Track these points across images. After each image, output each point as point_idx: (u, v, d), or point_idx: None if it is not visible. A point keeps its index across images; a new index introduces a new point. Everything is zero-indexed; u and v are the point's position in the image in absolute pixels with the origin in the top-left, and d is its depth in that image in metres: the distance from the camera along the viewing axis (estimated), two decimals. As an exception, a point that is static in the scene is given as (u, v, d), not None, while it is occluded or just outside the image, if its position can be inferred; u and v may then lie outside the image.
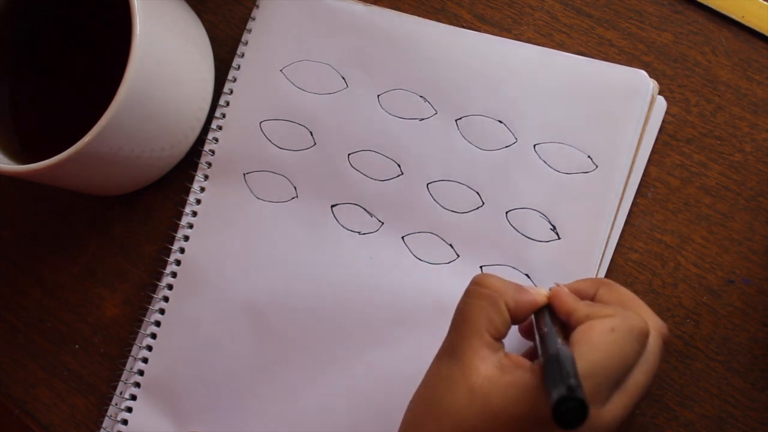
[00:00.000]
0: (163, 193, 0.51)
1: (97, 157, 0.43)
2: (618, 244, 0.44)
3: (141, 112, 0.44)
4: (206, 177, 0.50)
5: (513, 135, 0.45)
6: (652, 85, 0.44)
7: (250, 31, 0.50)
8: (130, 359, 0.49)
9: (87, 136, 0.42)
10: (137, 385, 0.48)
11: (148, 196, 0.51)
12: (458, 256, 0.45)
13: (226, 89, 0.50)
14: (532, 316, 0.38)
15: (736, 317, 0.43)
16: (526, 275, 0.44)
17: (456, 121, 0.46)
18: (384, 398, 0.45)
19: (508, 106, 0.45)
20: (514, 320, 0.37)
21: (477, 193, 0.45)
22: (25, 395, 0.51)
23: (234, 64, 0.50)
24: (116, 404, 0.49)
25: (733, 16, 0.44)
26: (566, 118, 0.44)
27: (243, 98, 0.49)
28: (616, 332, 0.34)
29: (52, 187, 0.53)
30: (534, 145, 0.45)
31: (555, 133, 0.45)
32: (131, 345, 0.49)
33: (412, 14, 0.48)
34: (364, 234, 0.47)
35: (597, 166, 0.44)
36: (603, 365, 0.33)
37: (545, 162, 0.45)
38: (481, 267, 0.45)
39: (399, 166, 0.47)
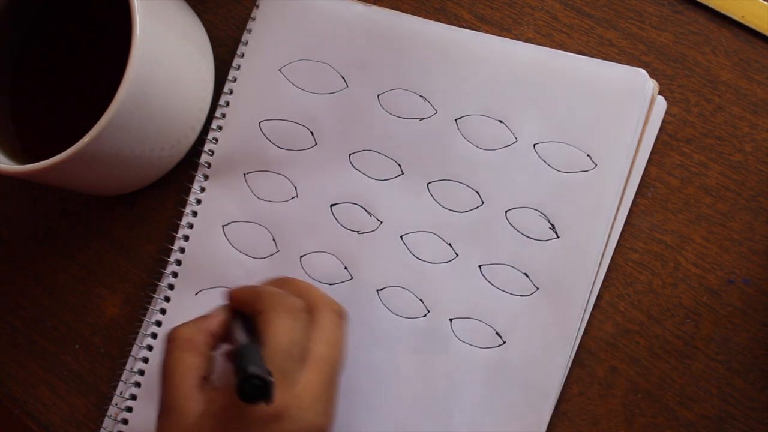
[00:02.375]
0: (163, 193, 0.51)
1: (97, 157, 0.43)
2: (618, 244, 0.44)
3: (141, 112, 0.44)
4: (206, 177, 0.50)
5: (513, 134, 0.45)
6: (652, 84, 0.44)
7: (250, 31, 0.50)
8: (131, 359, 0.49)
9: (87, 136, 0.42)
10: (138, 384, 0.48)
11: (148, 196, 0.51)
12: (457, 255, 0.45)
13: (226, 89, 0.50)
14: (231, 331, 0.41)
15: (736, 317, 0.43)
16: (525, 274, 0.44)
17: (456, 120, 0.46)
18: (382, 397, 0.45)
19: (508, 106, 0.45)
20: (217, 344, 0.41)
21: (477, 192, 0.45)
22: (25, 395, 0.51)
23: (234, 64, 0.50)
24: (116, 404, 0.49)
25: (733, 16, 0.44)
26: (566, 118, 0.44)
27: (243, 98, 0.49)
28: (274, 316, 0.38)
29: (52, 187, 0.53)
30: (534, 145, 0.45)
31: (555, 133, 0.45)
32: (131, 345, 0.49)
33: (412, 14, 0.48)
34: (363, 233, 0.47)
35: (596, 165, 0.44)
36: (277, 348, 0.37)
37: (545, 161, 0.45)
38: (479, 266, 0.45)
39: (399, 165, 0.47)
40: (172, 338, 0.40)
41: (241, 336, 0.39)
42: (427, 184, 0.46)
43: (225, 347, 0.41)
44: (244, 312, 0.41)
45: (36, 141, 0.48)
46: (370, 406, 0.45)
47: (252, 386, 0.34)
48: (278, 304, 0.39)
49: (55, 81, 0.49)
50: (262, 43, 0.49)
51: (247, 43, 0.50)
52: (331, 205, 0.47)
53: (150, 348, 0.49)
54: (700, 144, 0.44)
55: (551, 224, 0.44)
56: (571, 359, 0.43)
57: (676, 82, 0.45)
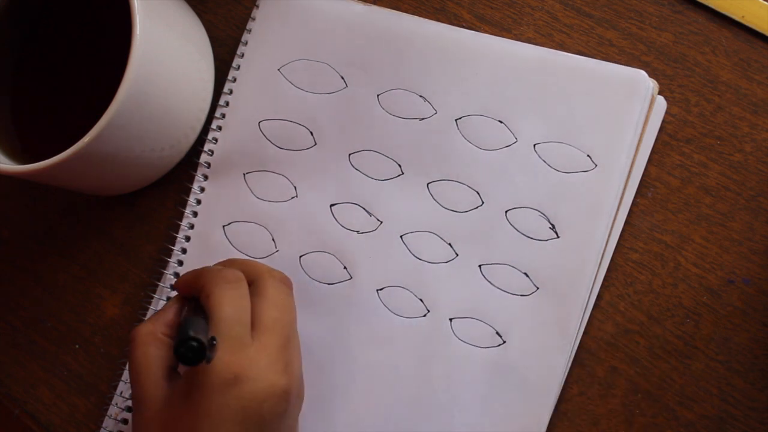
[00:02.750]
0: (163, 193, 0.51)
1: (97, 157, 0.43)
2: (618, 244, 0.44)
3: (141, 112, 0.44)
4: (206, 177, 0.50)
5: (513, 135, 0.45)
6: (652, 85, 0.44)
7: (250, 31, 0.50)
8: (130, 359, 0.49)
9: (87, 136, 0.42)
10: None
11: (148, 196, 0.51)
12: (457, 255, 0.45)
13: (226, 89, 0.50)
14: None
15: (736, 317, 0.43)
16: (525, 274, 0.44)
17: (456, 120, 0.46)
18: (382, 397, 0.45)
19: (508, 106, 0.45)
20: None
21: (477, 192, 0.45)
22: (25, 395, 0.51)
23: (234, 64, 0.50)
24: (116, 404, 0.49)
25: (733, 16, 0.44)
26: (566, 118, 0.44)
27: (243, 98, 0.49)
28: (214, 288, 0.40)
29: (52, 187, 0.53)
30: (534, 145, 0.45)
31: (555, 133, 0.45)
32: (131, 345, 0.49)
33: (412, 14, 0.48)
34: (362, 233, 0.47)
35: (596, 165, 0.44)
36: (221, 317, 0.39)
37: (545, 161, 0.45)
38: (479, 266, 0.45)
39: (399, 165, 0.47)
40: (133, 337, 0.41)
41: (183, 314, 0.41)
42: (427, 184, 0.46)
43: None
44: (193, 296, 0.42)
45: (36, 141, 0.48)
46: (370, 406, 0.45)
47: (188, 348, 0.35)
48: (217, 277, 0.40)
49: (55, 81, 0.49)
50: (262, 43, 0.49)
51: (247, 43, 0.50)
52: (331, 205, 0.47)
53: (150, 348, 0.49)
54: (700, 144, 0.44)
55: (551, 224, 0.44)
56: (571, 359, 0.43)
57: (676, 82, 0.45)
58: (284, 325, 0.40)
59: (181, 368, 0.41)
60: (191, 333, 0.35)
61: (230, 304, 0.39)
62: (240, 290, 0.40)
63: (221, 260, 0.45)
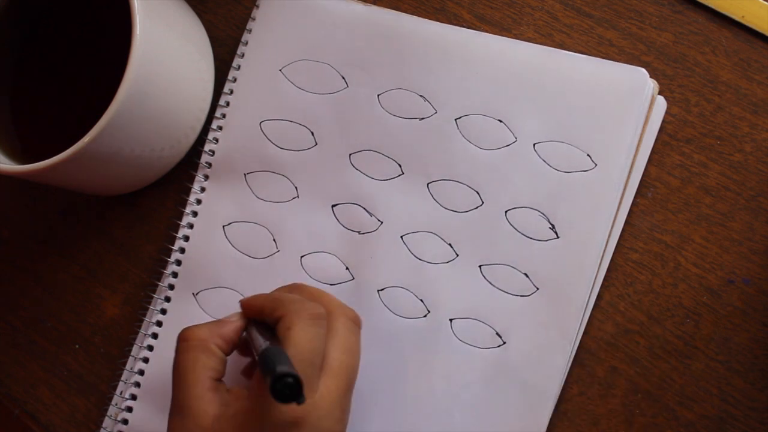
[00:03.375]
0: (163, 193, 0.51)
1: (97, 157, 0.43)
2: (618, 244, 0.44)
3: (141, 112, 0.44)
4: (206, 177, 0.50)
5: (513, 134, 0.45)
6: (652, 84, 0.44)
7: (250, 31, 0.50)
8: (131, 359, 0.49)
9: (87, 136, 0.42)
10: (138, 385, 0.48)
11: (148, 196, 0.51)
12: (457, 255, 0.45)
13: (226, 89, 0.50)
14: (248, 338, 0.41)
15: (736, 317, 0.43)
16: (525, 275, 0.44)
17: (456, 120, 0.46)
18: (382, 397, 0.45)
19: (508, 105, 0.45)
20: (230, 350, 0.41)
21: (477, 192, 0.45)
22: (25, 395, 0.52)
23: (234, 64, 0.50)
24: (116, 404, 0.49)
25: (733, 16, 0.44)
26: (566, 117, 0.44)
27: (243, 98, 0.49)
28: (297, 322, 0.38)
29: (52, 187, 0.53)
30: (534, 144, 0.45)
31: (555, 132, 0.45)
32: (131, 345, 0.49)
33: (412, 14, 0.48)
34: (363, 233, 0.47)
35: (596, 165, 0.44)
36: (298, 357, 0.36)
37: (545, 161, 0.45)
38: (479, 266, 0.45)
39: (400, 165, 0.47)
40: (185, 338, 0.39)
41: (261, 341, 0.39)
42: (427, 183, 0.46)
43: (244, 360, 0.41)
44: (261, 320, 0.40)
45: (36, 141, 0.48)
46: (370, 406, 0.45)
47: (285, 385, 0.33)
48: (300, 310, 0.38)
49: (55, 81, 0.49)
50: (262, 43, 0.49)
51: (247, 43, 0.50)
52: (332, 206, 0.47)
53: (150, 348, 0.49)
54: (700, 144, 0.44)
55: (551, 224, 0.44)
56: (571, 359, 0.43)
57: (676, 82, 0.45)
58: (350, 370, 0.39)
59: (229, 383, 0.40)
60: (284, 368, 0.33)
61: (309, 343, 0.37)
62: (321, 330, 0.38)
63: (290, 284, 0.44)
